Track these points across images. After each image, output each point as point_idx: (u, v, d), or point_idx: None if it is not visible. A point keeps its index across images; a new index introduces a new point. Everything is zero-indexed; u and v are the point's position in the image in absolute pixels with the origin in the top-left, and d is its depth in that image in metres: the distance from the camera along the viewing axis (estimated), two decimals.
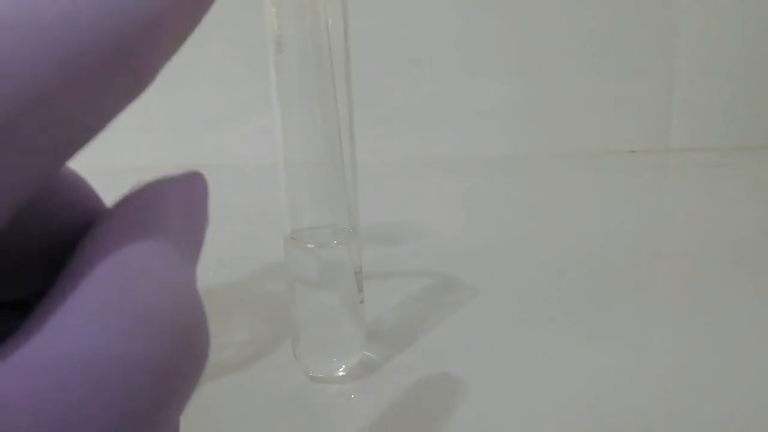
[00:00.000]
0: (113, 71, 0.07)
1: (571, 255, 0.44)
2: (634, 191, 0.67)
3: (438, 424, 0.24)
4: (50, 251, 0.09)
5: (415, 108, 0.82)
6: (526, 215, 0.57)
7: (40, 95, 0.07)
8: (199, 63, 0.80)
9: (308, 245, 0.26)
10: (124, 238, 0.08)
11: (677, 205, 0.62)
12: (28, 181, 0.07)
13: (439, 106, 0.82)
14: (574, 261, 0.43)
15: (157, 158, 0.79)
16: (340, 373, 0.27)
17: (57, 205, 0.09)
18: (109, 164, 0.79)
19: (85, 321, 0.07)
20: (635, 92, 0.83)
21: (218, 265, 0.41)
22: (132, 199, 0.09)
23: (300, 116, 0.24)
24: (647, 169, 0.77)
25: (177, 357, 0.08)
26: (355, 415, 0.25)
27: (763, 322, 0.33)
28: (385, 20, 0.79)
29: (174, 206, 0.09)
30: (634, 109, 0.83)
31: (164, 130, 0.81)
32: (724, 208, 0.57)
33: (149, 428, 0.08)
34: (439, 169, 0.77)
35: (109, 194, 0.10)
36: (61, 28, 0.07)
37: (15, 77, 0.06)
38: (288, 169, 0.25)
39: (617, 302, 0.36)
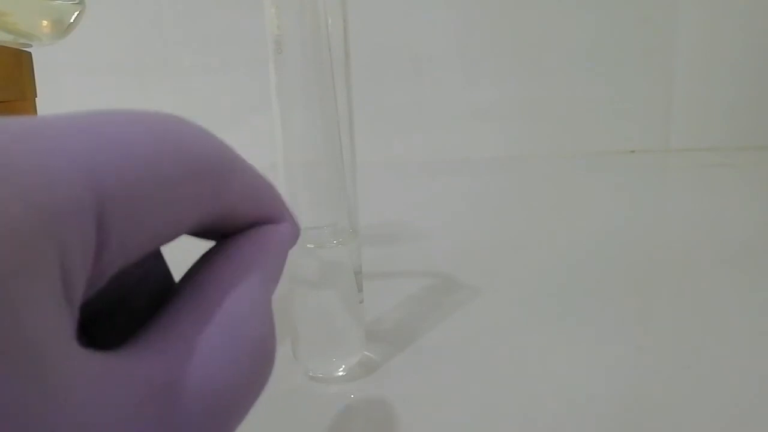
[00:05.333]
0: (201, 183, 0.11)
1: (571, 255, 0.44)
2: (634, 191, 0.67)
3: (438, 424, 0.24)
4: (126, 304, 0.12)
5: (415, 108, 0.82)
6: (526, 215, 0.57)
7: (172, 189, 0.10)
8: (199, 63, 0.80)
9: (308, 245, 0.26)
10: (238, 272, 0.12)
11: (677, 205, 0.62)
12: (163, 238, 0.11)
13: (439, 106, 0.82)
14: (574, 261, 0.43)
15: None
16: (340, 373, 0.27)
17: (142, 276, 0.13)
18: None
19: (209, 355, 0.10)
20: (635, 92, 0.83)
21: None
22: (248, 236, 0.13)
23: (300, 116, 0.24)
24: (647, 169, 0.77)
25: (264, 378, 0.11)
26: (355, 415, 0.25)
27: (763, 322, 0.33)
28: (385, 20, 0.79)
29: (270, 246, 0.13)
30: (634, 109, 0.83)
31: None
32: (724, 208, 0.57)
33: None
34: (439, 169, 0.77)
35: None
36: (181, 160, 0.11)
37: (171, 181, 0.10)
38: (288, 169, 0.25)
39: (617, 302, 0.36)
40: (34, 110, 0.29)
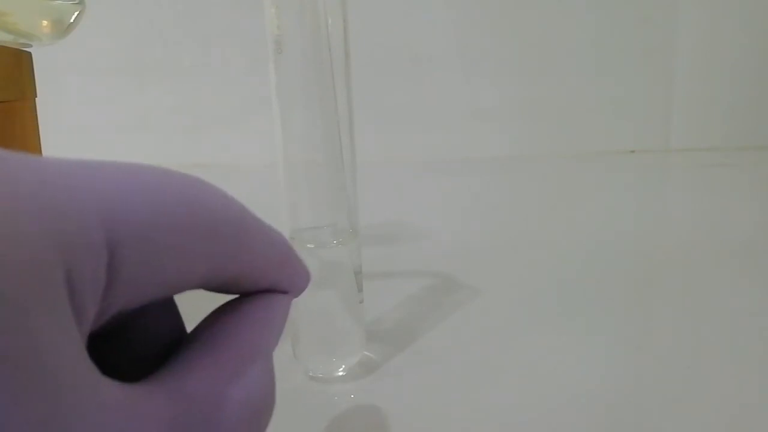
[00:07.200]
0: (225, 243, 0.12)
1: (571, 255, 0.44)
2: (634, 191, 0.67)
3: (438, 424, 0.24)
4: (141, 338, 0.13)
5: (415, 108, 0.82)
6: (526, 215, 0.57)
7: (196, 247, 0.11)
8: (199, 63, 0.80)
9: (308, 245, 0.26)
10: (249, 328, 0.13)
11: (677, 205, 0.62)
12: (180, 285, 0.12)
13: (439, 106, 0.82)
14: (574, 261, 0.43)
15: (158, 157, 0.79)
16: (340, 373, 0.27)
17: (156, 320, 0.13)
18: None
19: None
20: (635, 92, 0.83)
21: None
22: (254, 301, 0.14)
23: (300, 116, 0.24)
24: (647, 169, 0.77)
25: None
26: (355, 415, 0.25)
27: (763, 322, 0.33)
28: (385, 20, 0.79)
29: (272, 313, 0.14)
30: (634, 109, 0.83)
31: (164, 130, 0.81)
32: (724, 208, 0.57)
33: None
34: (439, 169, 0.77)
35: None
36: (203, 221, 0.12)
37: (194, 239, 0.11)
38: (288, 169, 0.25)
39: (617, 302, 0.36)
40: (34, 110, 0.29)
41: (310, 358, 0.27)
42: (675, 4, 0.80)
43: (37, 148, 0.30)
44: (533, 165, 0.79)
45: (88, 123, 0.80)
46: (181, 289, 0.12)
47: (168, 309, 0.13)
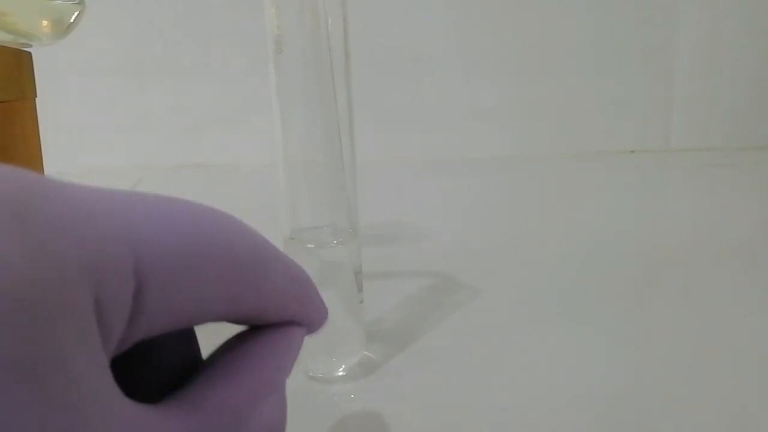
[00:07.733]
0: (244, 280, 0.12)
1: (571, 255, 0.44)
2: (634, 191, 0.67)
3: (438, 424, 0.24)
4: (158, 360, 0.13)
5: (415, 108, 0.82)
6: (525, 215, 0.57)
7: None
8: (199, 63, 0.80)
9: (308, 245, 0.26)
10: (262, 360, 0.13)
11: (677, 205, 0.62)
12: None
13: (439, 106, 0.82)
14: (574, 261, 0.43)
15: (158, 157, 0.79)
16: (340, 373, 0.27)
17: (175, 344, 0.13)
18: (111, 162, 0.79)
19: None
20: (635, 92, 0.83)
21: None
22: (270, 332, 0.14)
23: (300, 116, 0.24)
24: (647, 169, 0.77)
25: None
26: (354, 415, 0.25)
27: (763, 321, 0.33)
28: (385, 20, 0.79)
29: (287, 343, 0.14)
30: (634, 109, 0.83)
31: (164, 130, 0.81)
32: (724, 208, 0.57)
33: None
34: (439, 169, 0.77)
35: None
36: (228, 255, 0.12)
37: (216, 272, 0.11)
38: (288, 169, 0.25)
39: (617, 302, 0.36)
40: (34, 110, 0.29)
41: (310, 358, 0.27)
42: (675, 4, 0.80)
43: (37, 148, 0.30)
44: (533, 165, 0.79)
45: (88, 123, 0.79)
46: (203, 321, 0.12)
47: (186, 336, 0.14)
